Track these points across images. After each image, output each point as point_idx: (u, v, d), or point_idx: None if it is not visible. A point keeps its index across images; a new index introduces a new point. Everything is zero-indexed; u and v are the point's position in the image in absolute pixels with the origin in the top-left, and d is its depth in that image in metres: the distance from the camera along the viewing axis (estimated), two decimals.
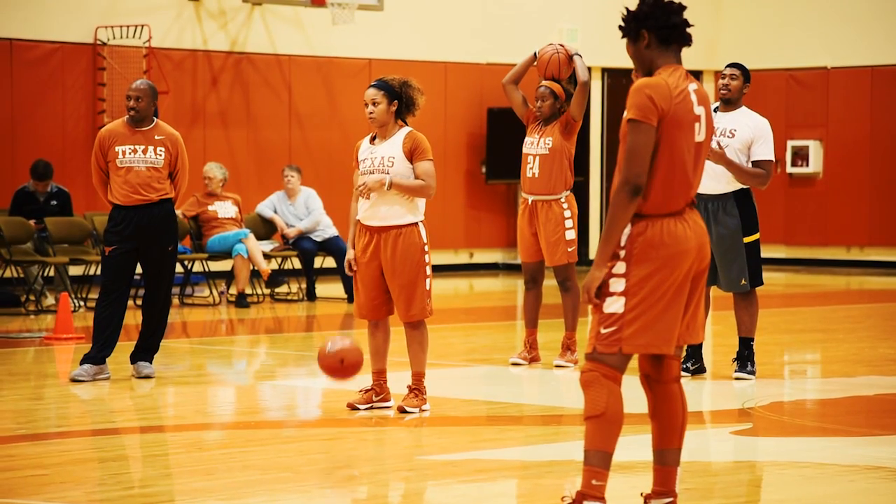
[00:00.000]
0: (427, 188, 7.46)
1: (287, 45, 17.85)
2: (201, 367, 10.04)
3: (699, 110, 4.88)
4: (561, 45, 9.40)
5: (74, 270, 14.44)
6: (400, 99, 7.52)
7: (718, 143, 8.61)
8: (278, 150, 17.69)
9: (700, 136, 4.87)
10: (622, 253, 4.75)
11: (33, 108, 16.15)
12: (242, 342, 11.91)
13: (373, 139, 7.58)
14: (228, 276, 14.90)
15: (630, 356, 4.80)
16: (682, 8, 4.96)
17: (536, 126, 9.54)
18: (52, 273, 13.79)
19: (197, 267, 15.00)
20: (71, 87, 16.34)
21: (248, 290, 14.35)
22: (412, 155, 7.48)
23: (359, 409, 7.60)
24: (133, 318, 10.94)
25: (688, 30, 4.96)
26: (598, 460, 4.80)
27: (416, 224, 7.52)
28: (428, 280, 7.49)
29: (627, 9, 4.98)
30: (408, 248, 7.46)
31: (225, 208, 14.56)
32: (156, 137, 8.85)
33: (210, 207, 14.52)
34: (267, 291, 14.84)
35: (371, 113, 7.45)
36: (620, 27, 4.94)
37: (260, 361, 10.67)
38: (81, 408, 8.12)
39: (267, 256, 14.64)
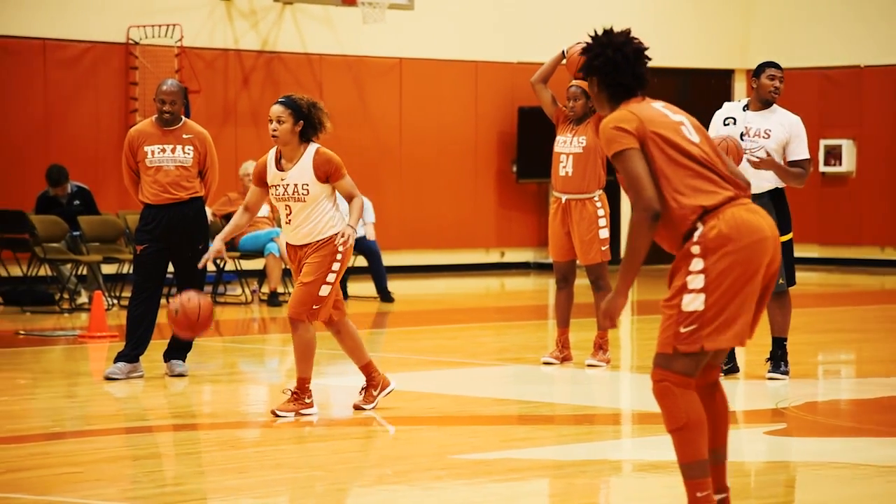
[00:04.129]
0: (362, 206, 7.46)
1: (317, 44, 17.87)
2: (234, 365, 10.06)
3: (678, 118, 4.85)
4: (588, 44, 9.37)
5: (108, 269, 14.51)
6: (306, 119, 7.37)
7: (766, 152, 8.55)
8: None
9: (695, 138, 4.81)
10: (696, 249, 4.70)
11: (66, 108, 16.23)
12: (274, 341, 11.94)
13: (278, 161, 7.42)
14: (260, 275, 14.93)
15: (707, 354, 4.74)
16: (638, 59, 4.88)
17: (568, 125, 9.51)
18: (85, 272, 13.85)
19: (229, 265, 15.05)
20: (103, 87, 16.41)
21: (281, 289, 14.38)
22: (327, 178, 7.36)
23: (364, 408, 7.51)
24: (166, 316, 10.96)
25: (646, 74, 4.88)
26: (696, 471, 4.74)
27: (333, 235, 7.38)
28: (326, 287, 7.28)
29: (587, 43, 4.93)
30: (318, 253, 7.31)
31: None
32: (184, 136, 8.88)
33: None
34: None
35: (274, 131, 7.32)
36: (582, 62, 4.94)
37: (292, 360, 10.66)
38: (115, 406, 8.16)
39: None
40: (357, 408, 7.55)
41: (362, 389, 7.62)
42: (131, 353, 8.81)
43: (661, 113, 4.82)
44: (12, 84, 15.92)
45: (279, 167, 7.38)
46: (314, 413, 7.43)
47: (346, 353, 7.61)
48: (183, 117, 8.99)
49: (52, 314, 13.04)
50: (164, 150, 8.82)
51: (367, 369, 7.61)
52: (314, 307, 7.30)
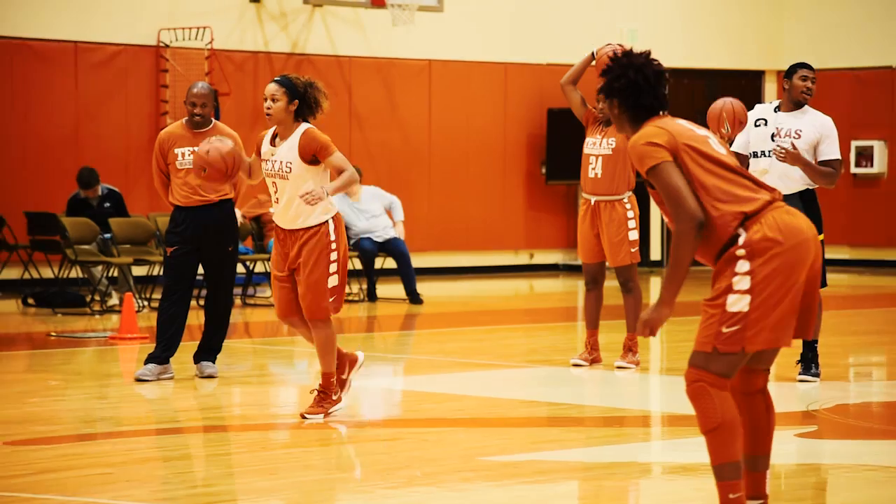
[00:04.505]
0: (352, 177, 7.25)
1: (347, 46, 17.90)
2: (263, 367, 10.09)
3: (703, 132, 4.88)
4: (620, 46, 9.36)
5: (138, 271, 14.57)
6: (302, 99, 7.28)
7: (792, 144, 8.53)
8: (339, 150, 17.74)
9: (722, 150, 4.85)
10: (741, 252, 4.71)
11: (97, 110, 16.31)
12: (304, 342, 11.91)
13: (274, 137, 7.38)
14: None
15: (745, 357, 4.74)
16: (658, 80, 4.89)
17: (598, 126, 9.50)
18: (115, 274, 13.92)
19: (259, 267, 15.09)
20: (134, 89, 16.49)
21: None
22: (315, 156, 7.25)
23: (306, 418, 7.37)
24: (196, 318, 11.01)
25: (666, 95, 4.91)
26: (729, 473, 4.73)
27: (325, 223, 7.30)
28: (333, 277, 7.25)
29: (607, 65, 4.94)
30: (313, 247, 7.26)
31: None
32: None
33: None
34: None
35: (268, 109, 7.25)
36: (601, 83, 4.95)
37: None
38: (146, 407, 8.19)
39: None
40: (303, 416, 7.40)
41: (314, 391, 7.48)
42: (162, 355, 8.84)
43: (688, 127, 4.88)
44: (44, 86, 16.01)
45: (272, 142, 7.36)
46: (342, 407, 7.42)
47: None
48: (213, 120, 9.02)
49: (84, 316, 13.10)
50: (192, 153, 8.85)
51: (326, 379, 7.45)
52: (330, 300, 7.27)
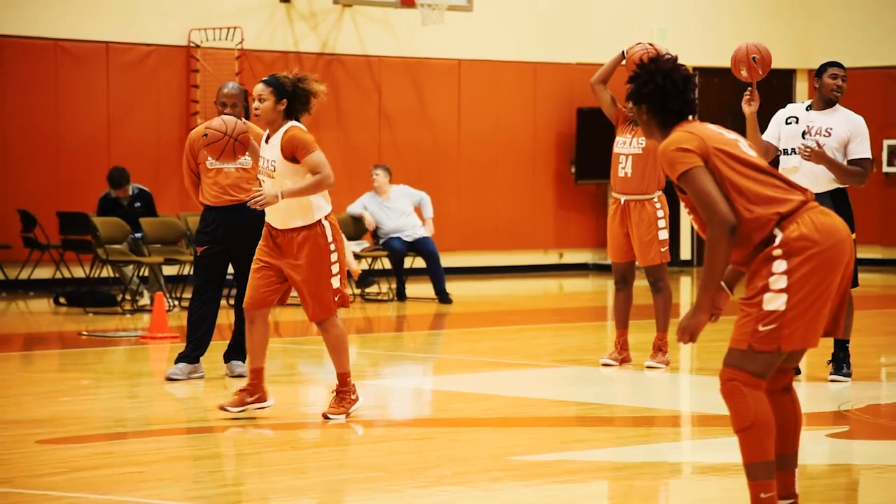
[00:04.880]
0: (322, 180, 7.09)
1: (376, 46, 17.92)
2: (293, 366, 10.11)
3: (733, 136, 4.89)
4: (650, 45, 9.34)
5: (168, 270, 14.63)
6: (291, 97, 7.18)
7: (817, 143, 8.50)
8: (368, 150, 17.78)
9: (752, 153, 4.85)
10: (778, 252, 4.71)
11: (128, 110, 16.38)
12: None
13: (269, 136, 7.31)
14: None
15: (781, 356, 4.74)
16: (686, 85, 4.89)
17: (628, 126, 9.48)
18: (146, 273, 13.98)
19: None
20: (165, 89, 16.55)
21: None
22: (294, 154, 7.16)
23: (229, 410, 7.32)
24: (226, 317, 11.04)
25: (694, 99, 4.90)
26: (762, 472, 4.73)
27: (318, 222, 7.20)
28: (335, 279, 7.20)
29: (634, 71, 4.93)
30: (311, 250, 7.18)
31: None
32: None
33: None
34: (357, 291, 14.92)
35: (256, 109, 7.20)
36: (628, 89, 4.94)
37: (350, 361, 10.69)
38: (176, 406, 8.22)
39: (357, 256, 14.72)
40: (222, 407, 7.36)
41: (241, 391, 7.40)
42: (192, 354, 8.87)
43: (717, 131, 4.89)
44: (76, 87, 16.09)
45: (266, 141, 7.31)
46: (361, 405, 7.42)
47: (250, 349, 7.38)
48: (243, 120, 9.04)
49: (115, 315, 13.16)
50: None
51: (257, 374, 7.39)
52: (335, 300, 7.23)
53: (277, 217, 7.24)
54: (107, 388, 8.82)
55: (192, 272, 12.77)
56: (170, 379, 8.77)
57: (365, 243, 15.16)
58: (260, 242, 7.38)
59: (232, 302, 8.94)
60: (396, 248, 14.92)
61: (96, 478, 5.94)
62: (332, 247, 7.20)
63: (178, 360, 8.88)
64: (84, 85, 16.10)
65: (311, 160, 7.11)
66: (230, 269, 9.08)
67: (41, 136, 15.87)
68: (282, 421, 7.61)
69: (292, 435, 7.17)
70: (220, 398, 8.37)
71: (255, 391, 7.38)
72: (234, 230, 8.86)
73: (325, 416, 7.36)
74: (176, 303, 13.65)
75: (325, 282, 7.18)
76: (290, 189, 7.08)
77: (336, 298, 7.22)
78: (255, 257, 7.37)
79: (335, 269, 7.22)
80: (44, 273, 15.50)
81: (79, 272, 15.18)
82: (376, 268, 15.52)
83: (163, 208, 15.29)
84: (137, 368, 9.89)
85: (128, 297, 13.65)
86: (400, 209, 15.12)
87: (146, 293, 13.74)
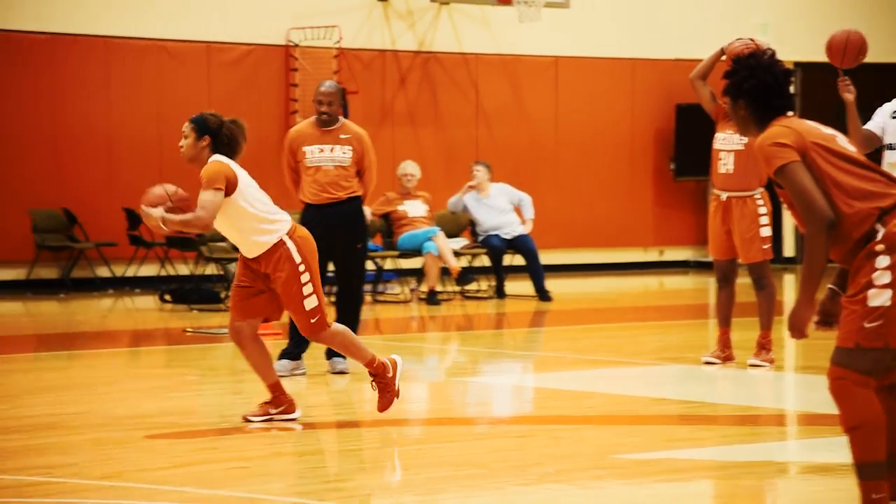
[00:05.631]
0: (192, 220, 6.88)
1: (473, 43, 17.93)
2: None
3: (830, 131, 4.82)
4: (751, 40, 9.23)
5: None
6: (214, 135, 7.03)
7: None
8: (466, 148, 17.80)
9: (850, 147, 4.79)
10: (880, 247, 4.66)
11: (228, 109, 16.47)
12: (434, 339, 12.01)
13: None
14: (419, 274, 15.04)
15: (890, 353, 4.67)
16: (786, 80, 4.83)
17: (728, 121, 9.38)
18: None
19: (388, 264, 15.19)
20: (264, 88, 16.71)
21: (439, 288, 14.47)
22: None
23: (252, 420, 7.18)
24: (328, 314, 11.12)
25: (791, 94, 4.84)
26: (872, 472, 4.66)
27: (280, 242, 7.01)
28: (308, 300, 6.99)
29: (732, 66, 4.87)
30: (279, 270, 7.00)
31: (415, 207, 14.72)
32: (342, 136, 8.98)
33: (400, 206, 14.70)
34: (457, 289, 14.94)
35: (180, 146, 7.11)
36: (725, 85, 4.88)
37: (451, 358, 10.74)
38: None
39: (457, 254, 14.74)
40: (245, 419, 7.24)
41: (265, 403, 7.27)
42: (294, 351, 8.95)
43: (814, 126, 4.84)
44: (177, 86, 16.30)
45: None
46: (400, 366, 7.25)
47: (255, 369, 7.29)
48: (341, 118, 9.10)
49: (218, 312, 13.32)
50: (322, 150, 8.94)
51: (275, 388, 7.28)
52: (317, 320, 7.01)
53: (243, 248, 7.09)
54: (212, 383, 8.93)
55: None
56: None
57: (464, 240, 15.18)
58: (237, 265, 7.20)
59: (333, 299, 9.02)
60: (495, 246, 14.92)
61: (203, 472, 6.01)
62: (302, 267, 6.99)
63: (280, 357, 8.96)
64: (185, 85, 16.31)
65: (201, 197, 6.91)
66: (331, 267, 9.14)
67: (142, 136, 16.10)
68: (383, 417, 7.65)
69: (394, 431, 7.19)
70: (322, 394, 8.44)
71: (279, 403, 7.25)
72: (333, 228, 8.92)
73: (380, 411, 7.17)
74: None
75: (299, 303, 6.99)
76: (171, 219, 6.90)
77: (313, 320, 7.01)
78: (232, 286, 7.20)
79: (307, 289, 6.99)
80: (149, 270, 15.75)
81: (183, 269, 15.39)
82: (476, 265, 15.53)
83: None
84: (241, 365, 9.96)
85: (229, 293, 13.79)
86: (498, 207, 15.11)
87: None
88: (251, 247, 7.04)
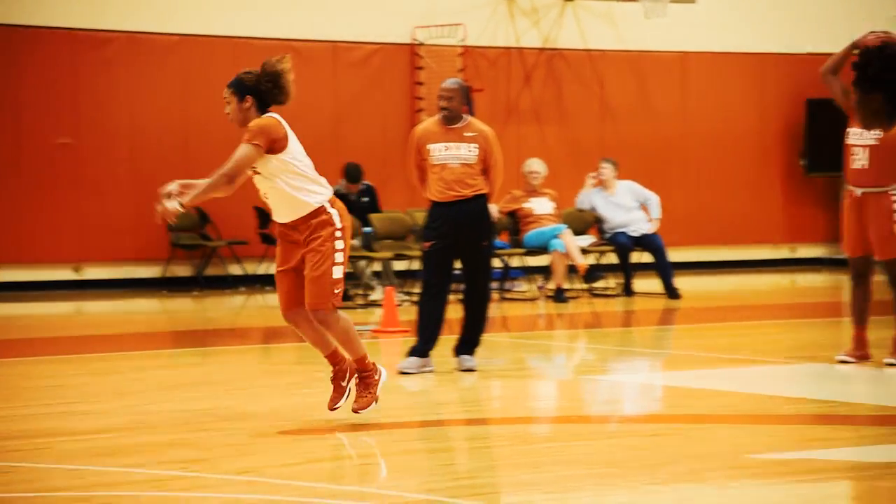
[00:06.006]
0: (215, 180, 6.69)
1: (598, 39, 17.83)
2: (522, 361, 10.13)
3: None
4: (884, 33, 9.01)
5: (398, 265, 14.85)
6: (255, 92, 6.89)
7: None
8: (591, 145, 17.70)
9: None
10: None
11: (354, 108, 16.68)
12: (561, 337, 11.96)
13: None
14: (546, 271, 15.00)
15: None
16: None
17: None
18: (377, 268, 14.23)
19: (515, 262, 15.17)
20: (390, 87, 16.81)
21: (566, 285, 14.41)
22: (269, 146, 6.78)
23: (337, 407, 7.05)
24: (455, 312, 11.15)
25: None
26: None
27: (321, 208, 6.83)
28: (337, 268, 6.81)
29: (864, 57, 4.73)
30: (316, 232, 6.81)
31: (541, 204, 14.68)
32: (467, 134, 8.98)
33: (526, 204, 14.68)
34: (584, 286, 14.87)
35: (228, 114, 6.95)
36: (855, 76, 4.74)
37: (580, 356, 10.69)
38: (409, 399, 8.31)
39: (584, 251, 14.66)
40: (331, 408, 7.09)
41: (333, 379, 7.09)
42: (422, 349, 8.97)
43: None
44: (304, 86, 16.47)
45: None
46: (384, 376, 7.06)
47: (314, 345, 7.09)
48: (466, 116, 9.09)
49: (347, 310, 13.41)
50: (447, 148, 8.95)
51: (334, 357, 7.10)
52: (335, 291, 6.81)
53: (279, 213, 6.91)
54: None
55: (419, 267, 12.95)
56: (402, 372, 8.89)
57: (591, 238, 15.10)
58: (276, 249, 7.03)
59: (460, 297, 9.05)
60: (623, 243, 14.82)
61: (334, 469, 6.05)
62: (339, 234, 6.82)
63: (409, 354, 8.99)
64: (311, 84, 16.48)
65: (238, 149, 6.75)
66: (458, 264, 9.14)
67: None
68: (512, 415, 7.63)
69: (523, 429, 7.17)
70: (450, 392, 8.45)
71: (342, 372, 7.07)
72: (458, 225, 8.92)
73: (355, 412, 7.02)
74: (406, 297, 13.83)
75: (327, 266, 6.76)
76: (191, 197, 6.73)
77: (336, 290, 6.80)
78: (275, 271, 7.05)
79: (339, 257, 6.81)
80: None
81: None
82: (603, 262, 15.44)
83: (389, 204, 15.54)
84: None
85: (359, 291, 13.89)
86: (625, 205, 15.01)
87: (378, 288, 13.98)
88: (294, 207, 6.82)
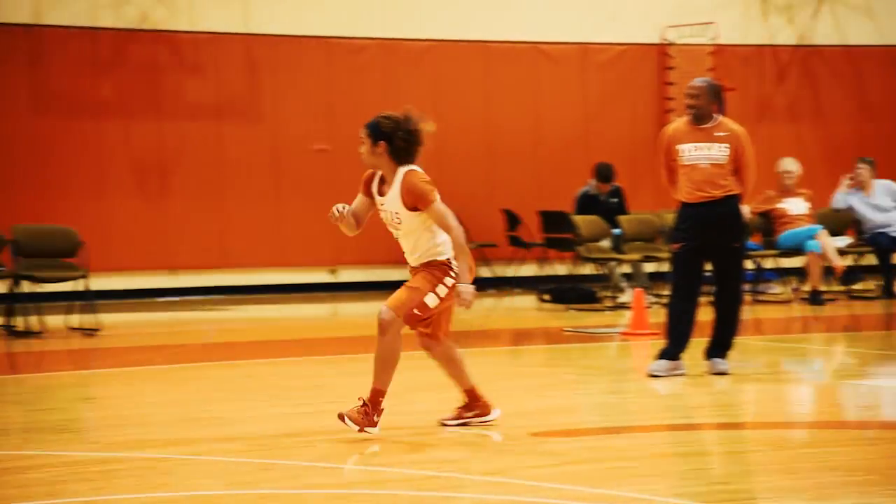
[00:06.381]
0: (455, 238, 6.69)
1: (858, 35, 17.31)
2: (776, 364, 9.90)
3: None
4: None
5: (648, 267, 14.73)
6: (389, 139, 6.74)
7: None
8: (848, 143, 17.19)
9: None
10: None
11: (603, 109, 16.63)
12: (818, 340, 11.65)
13: (381, 181, 6.86)
14: (800, 273, 14.64)
15: None
16: None
17: None
18: (626, 270, 14.17)
19: (769, 263, 14.85)
20: (639, 88, 16.69)
21: (822, 287, 14.02)
22: (416, 205, 6.72)
23: (448, 424, 6.96)
24: (706, 314, 10.98)
25: None
26: None
27: (447, 260, 6.77)
28: (429, 297, 6.72)
29: None
30: (430, 267, 6.76)
31: (796, 204, 14.36)
32: (717, 134, 8.82)
33: (780, 204, 14.38)
34: (842, 288, 14.45)
35: (361, 153, 6.81)
36: None
37: (838, 360, 10.37)
38: (660, 402, 8.22)
39: (841, 252, 14.25)
40: (441, 423, 7.01)
41: (460, 407, 7.04)
42: (672, 351, 8.86)
43: None
44: (553, 88, 16.50)
45: (380, 189, 6.89)
46: (378, 432, 6.77)
47: (451, 377, 7.04)
48: (717, 115, 8.94)
49: (595, 312, 13.38)
50: (697, 148, 8.82)
51: (470, 394, 7.04)
52: (414, 311, 6.74)
53: (412, 260, 6.91)
54: (591, 383, 8.96)
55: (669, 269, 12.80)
56: (652, 375, 8.80)
57: (848, 239, 14.66)
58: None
59: (711, 299, 8.90)
60: (882, 244, 14.34)
61: (585, 471, 6.02)
62: (452, 275, 6.75)
63: (659, 357, 8.89)
64: (560, 86, 16.50)
65: (434, 211, 6.72)
66: (708, 266, 9.00)
67: (519, 138, 16.39)
68: (768, 419, 7.46)
69: (778, 435, 7.00)
70: (702, 395, 8.32)
71: (472, 407, 7.06)
72: (708, 227, 8.77)
73: (340, 417, 6.76)
74: (655, 299, 13.71)
75: (426, 287, 6.74)
76: (465, 271, 6.70)
77: (414, 311, 6.73)
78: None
79: (441, 290, 6.74)
80: (528, 270, 16.02)
81: (561, 269, 15.55)
82: (862, 264, 14.97)
83: (639, 205, 15.43)
84: (619, 364, 9.99)
85: (608, 293, 13.84)
86: (883, 205, 14.53)
87: (627, 290, 13.90)
88: (424, 255, 6.86)
